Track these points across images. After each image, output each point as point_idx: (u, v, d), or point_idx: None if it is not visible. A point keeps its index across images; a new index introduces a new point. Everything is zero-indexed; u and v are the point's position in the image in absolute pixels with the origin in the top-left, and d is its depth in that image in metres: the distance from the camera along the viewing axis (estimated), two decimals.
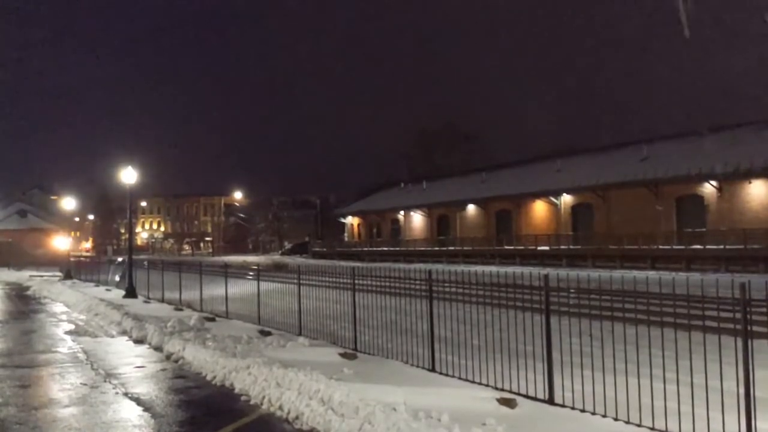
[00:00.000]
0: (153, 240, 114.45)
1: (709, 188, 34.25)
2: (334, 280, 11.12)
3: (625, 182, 37.59)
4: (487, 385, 7.25)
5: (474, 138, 79.39)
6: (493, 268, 27.16)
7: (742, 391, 5.01)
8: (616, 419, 5.84)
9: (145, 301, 20.04)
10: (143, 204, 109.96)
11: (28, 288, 31.43)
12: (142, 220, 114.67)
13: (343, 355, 9.32)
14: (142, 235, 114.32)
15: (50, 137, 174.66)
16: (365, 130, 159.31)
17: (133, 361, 10.73)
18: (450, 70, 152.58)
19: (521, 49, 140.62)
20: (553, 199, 43.61)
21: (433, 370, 8.30)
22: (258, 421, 7.04)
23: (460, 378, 7.77)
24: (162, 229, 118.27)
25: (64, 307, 21.14)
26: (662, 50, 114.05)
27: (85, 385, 8.96)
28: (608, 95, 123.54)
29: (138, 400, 7.98)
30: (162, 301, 19.61)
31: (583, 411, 6.11)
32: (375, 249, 58.50)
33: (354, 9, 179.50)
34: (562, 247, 40.51)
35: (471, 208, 51.09)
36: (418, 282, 9.11)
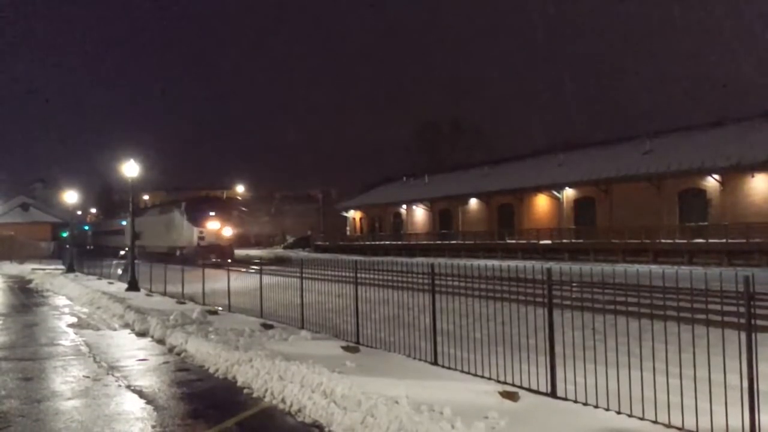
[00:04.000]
0: None
1: (711, 182, 34.18)
2: (336, 273, 11.11)
3: (627, 176, 37.52)
4: (490, 379, 7.24)
5: (476, 132, 79.37)
6: (495, 262, 27.18)
7: (745, 384, 4.99)
8: (618, 413, 5.83)
9: (148, 295, 20.07)
10: (145, 197, 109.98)
11: (30, 281, 31.56)
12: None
13: (346, 349, 9.32)
14: None
15: (52, 130, 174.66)
16: (368, 124, 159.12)
17: (135, 354, 10.75)
18: (452, 63, 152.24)
19: (524, 43, 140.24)
20: (555, 193, 43.55)
21: (435, 363, 8.30)
22: (260, 413, 7.04)
23: (462, 371, 7.76)
24: None
25: (67, 300, 21.22)
26: (665, 43, 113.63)
27: (87, 377, 8.98)
28: (611, 89, 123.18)
29: (140, 393, 8.00)
30: (164, 294, 19.65)
31: (585, 404, 6.10)
32: (377, 243, 58.49)
33: (358, 4, 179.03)
34: (564, 241, 40.48)
35: (473, 202, 51.05)
36: (420, 276, 9.10)
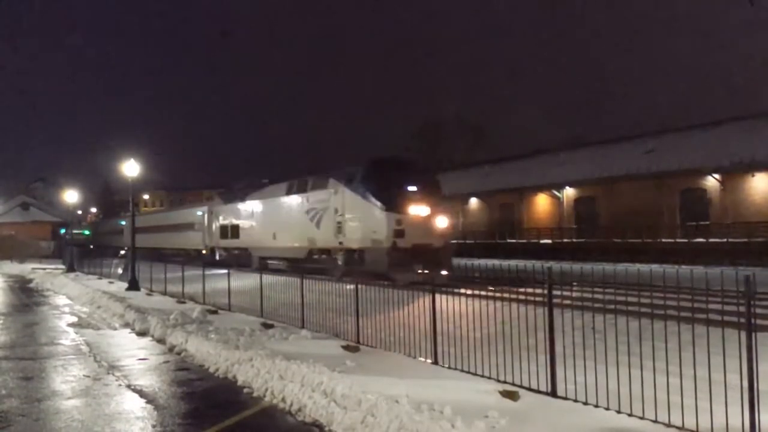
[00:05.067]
0: None
1: (712, 181, 34.18)
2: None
3: (628, 175, 37.49)
4: (490, 378, 7.24)
5: (478, 130, 79.22)
6: (496, 261, 27.16)
7: (745, 384, 4.99)
8: (618, 412, 5.83)
9: (148, 294, 20.10)
10: (146, 197, 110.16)
11: (30, 281, 31.59)
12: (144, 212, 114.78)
13: (346, 348, 9.33)
14: None
15: (53, 129, 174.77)
16: (368, 122, 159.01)
17: (135, 353, 10.76)
18: (454, 62, 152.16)
19: (526, 41, 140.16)
20: (556, 192, 43.53)
21: (435, 362, 8.30)
22: (261, 413, 7.05)
23: (462, 371, 7.76)
24: None
25: (67, 299, 21.23)
26: (667, 42, 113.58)
27: (87, 377, 8.98)
28: (612, 88, 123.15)
29: (141, 392, 8.00)
30: (164, 293, 19.66)
31: (585, 403, 6.10)
32: None
33: (358, 2, 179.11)
34: (565, 240, 40.46)
35: (474, 202, 51.01)
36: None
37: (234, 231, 32.17)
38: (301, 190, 26.19)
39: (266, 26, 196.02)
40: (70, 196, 41.44)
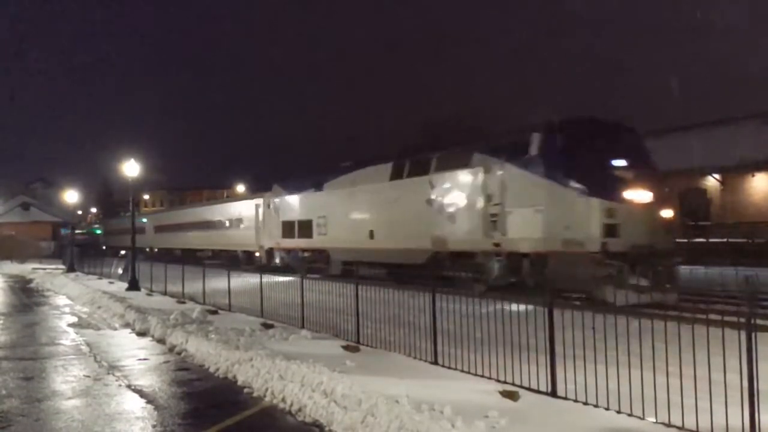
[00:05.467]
0: None
1: (712, 181, 34.21)
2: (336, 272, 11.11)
3: None
4: (490, 378, 7.24)
5: (481, 129, 79.00)
6: None
7: (745, 384, 5.00)
8: (618, 412, 5.83)
9: (148, 294, 20.09)
10: (146, 197, 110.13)
11: (31, 281, 31.58)
12: (144, 212, 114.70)
13: (346, 348, 9.33)
14: None
15: (53, 129, 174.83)
16: (369, 121, 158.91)
17: (135, 354, 10.76)
18: (457, 60, 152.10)
19: (529, 40, 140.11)
20: None
21: (435, 362, 8.30)
22: (261, 413, 7.05)
23: (462, 371, 7.76)
24: None
25: (67, 299, 21.23)
26: (667, 42, 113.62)
27: (88, 377, 8.99)
28: (613, 88, 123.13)
29: (141, 392, 8.00)
30: (165, 293, 19.65)
31: (585, 404, 6.11)
32: None
33: (360, 1, 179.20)
34: None
35: None
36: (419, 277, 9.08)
37: (304, 228, 25.70)
38: (418, 171, 19.62)
39: (266, 26, 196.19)
40: (70, 196, 41.49)
